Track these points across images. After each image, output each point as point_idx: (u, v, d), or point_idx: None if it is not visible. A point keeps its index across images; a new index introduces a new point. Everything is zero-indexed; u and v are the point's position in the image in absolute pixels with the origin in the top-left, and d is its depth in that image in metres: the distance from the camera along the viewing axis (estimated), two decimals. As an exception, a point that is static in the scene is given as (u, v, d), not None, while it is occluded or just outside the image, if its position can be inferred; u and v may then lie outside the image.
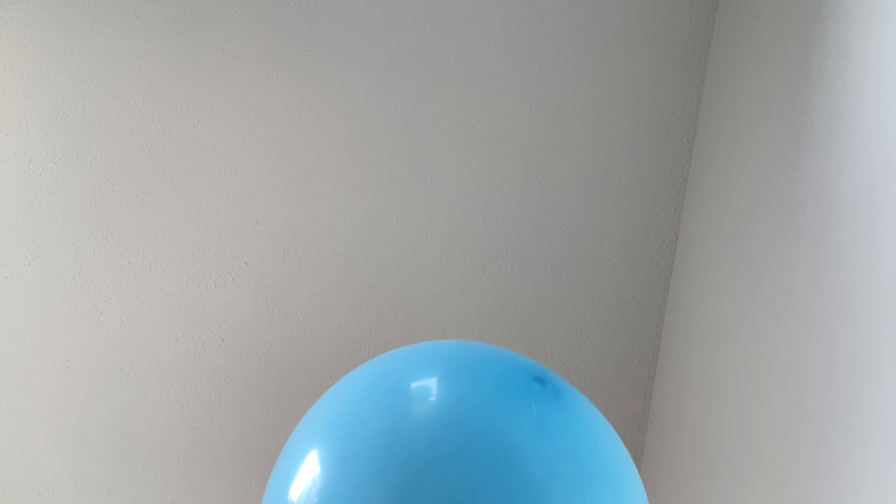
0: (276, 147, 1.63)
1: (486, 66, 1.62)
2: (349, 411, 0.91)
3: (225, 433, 1.70)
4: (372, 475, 0.79)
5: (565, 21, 1.61)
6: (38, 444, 1.69)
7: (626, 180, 1.64)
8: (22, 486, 1.70)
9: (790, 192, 1.14)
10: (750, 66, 1.38)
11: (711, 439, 1.34)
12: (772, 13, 1.31)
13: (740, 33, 1.45)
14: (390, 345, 1.68)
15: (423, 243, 1.66)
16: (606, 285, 1.67)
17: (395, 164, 1.64)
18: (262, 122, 1.63)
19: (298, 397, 1.68)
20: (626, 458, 0.92)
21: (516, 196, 1.65)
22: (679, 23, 1.60)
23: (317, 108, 1.63)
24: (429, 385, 0.90)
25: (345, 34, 1.61)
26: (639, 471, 1.71)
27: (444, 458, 0.80)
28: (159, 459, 1.71)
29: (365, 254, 1.66)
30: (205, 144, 1.63)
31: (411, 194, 1.65)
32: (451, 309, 1.68)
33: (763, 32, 1.33)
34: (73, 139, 1.62)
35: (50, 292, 1.65)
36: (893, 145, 0.89)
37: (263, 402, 1.70)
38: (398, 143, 1.64)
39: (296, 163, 1.64)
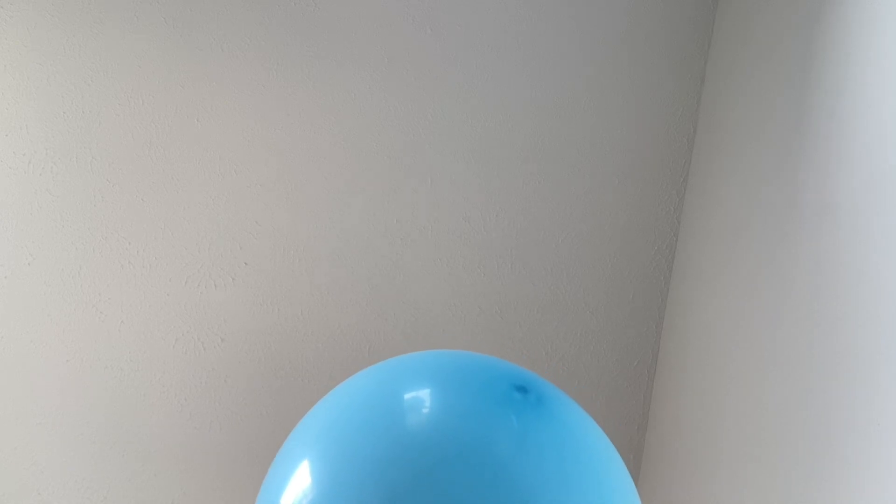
0: (276, 147, 1.63)
1: (486, 66, 1.62)
2: (326, 430, 0.88)
3: (225, 433, 1.70)
4: (350, 497, 0.76)
5: (565, 21, 1.61)
6: (38, 444, 1.69)
7: (626, 181, 1.64)
8: (22, 486, 1.71)
9: (790, 193, 1.14)
10: (750, 67, 1.38)
11: (711, 439, 1.34)
12: (772, 13, 1.31)
13: (740, 33, 1.45)
14: (390, 345, 1.68)
15: (423, 243, 1.66)
16: (606, 285, 1.67)
17: (395, 164, 1.64)
18: (262, 122, 1.63)
19: (298, 397, 1.68)
20: (619, 465, 0.89)
21: (516, 196, 1.65)
22: (679, 23, 1.60)
23: (317, 108, 1.63)
24: (407, 401, 0.87)
25: (345, 34, 1.61)
26: (639, 471, 1.72)
27: (420, 476, 0.76)
28: (159, 459, 1.70)
29: (365, 254, 1.66)
30: (205, 144, 1.63)
31: (411, 194, 1.65)
32: (451, 309, 1.68)
33: (763, 32, 1.34)
34: (73, 139, 1.62)
35: (50, 292, 1.65)
36: (894, 146, 0.89)
37: (263, 402, 1.70)
38: (398, 144, 1.64)
39: (296, 163, 1.64)
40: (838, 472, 0.92)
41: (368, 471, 0.78)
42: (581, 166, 1.64)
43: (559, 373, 1.68)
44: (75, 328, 1.66)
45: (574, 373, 1.69)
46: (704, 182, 1.54)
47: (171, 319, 1.67)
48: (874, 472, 0.85)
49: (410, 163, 1.64)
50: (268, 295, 1.67)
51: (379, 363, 1.02)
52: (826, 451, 0.96)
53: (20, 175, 1.62)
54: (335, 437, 0.85)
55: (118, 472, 1.71)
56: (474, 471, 0.77)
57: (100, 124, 1.62)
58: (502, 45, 1.62)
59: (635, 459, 1.70)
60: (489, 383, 0.89)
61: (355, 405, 0.90)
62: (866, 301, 0.90)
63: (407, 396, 0.87)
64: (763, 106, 1.29)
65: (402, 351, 1.66)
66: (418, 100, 1.63)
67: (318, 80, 1.62)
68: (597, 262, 1.67)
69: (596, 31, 1.61)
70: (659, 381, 1.67)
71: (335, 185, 1.64)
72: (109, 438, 1.70)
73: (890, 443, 0.83)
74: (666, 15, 1.60)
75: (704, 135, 1.58)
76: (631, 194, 1.65)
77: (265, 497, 0.87)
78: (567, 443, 0.85)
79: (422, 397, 0.86)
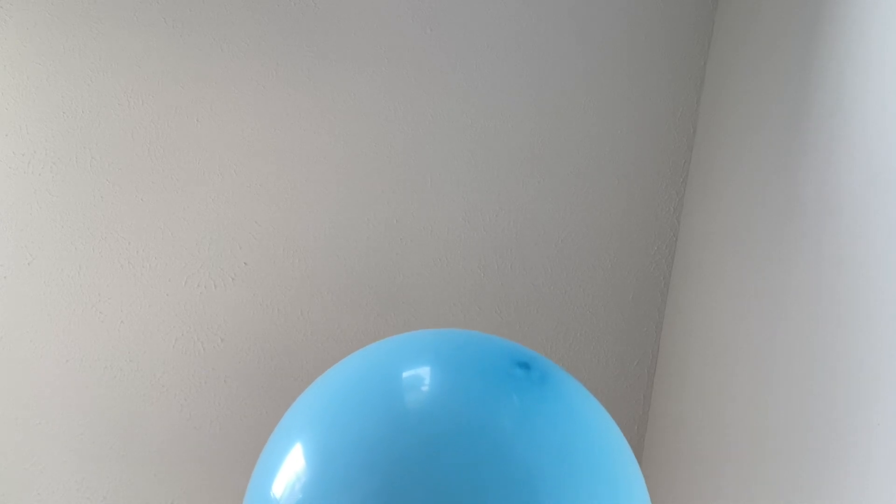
0: (276, 147, 1.63)
1: (486, 65, 1.62)
2: (327, 409, 0.87)
3: (225, 433, 1.70)
4: (345, 480, 0.75)
5: (565, 21, 1.61)
6: (38, 444, 1.69)
7: (626, 180, 1.64)
8: (22, 486, 1.70)
9: (790, 193, 1.14)
10: (750, 67, 1.38)
11: (711, 439, 1.34)
12: (772, 13, 1.31)
13: (740, 33, 1.45)
14: (390, 345, 1.68)
15: (423, 243, 1.66)
16: (606, 285, 1.67)
17: (395, 164, 1.64)
18: (262, 123, 1.63)
19: (298, 397, 1.68)
20: (621, 443, 0.88)
21: (516, 196, 1.65)
22: (679, 23, 1.60)
23: (316, 108, 1.63)
24: (408, 378, 0.85)
25: (345, 34, 1.61)
26: (639, 471, 1.71)
27: (420, 454, 0.75)
28: (159, 459, 1.70)
29: (365, 254, 1.66)
30: (205, 144, 1.63)
31: (411, 194, 1.65)
32: (451, 309, 1.68)
33: (763, 33, 1.34)
34: (73, 139, 1.62)
35: (50, 292, 1.65)
36: (894, 145, 0.89)
37: (263, 402, 1.70)
38: (398, 143, 1.64)
39: (296, 163, 1.64)
40: (838, 473, 0.92)
41: (367, 450, 0.77)
42: (581, 166, 1.64)
43: (559, 373, 1.68)
44: (75, 328, 1.66)
45: (574, 373, 1.68)
46: (704, 182, 1.54)
47: (170, 319, 1.67)
48: (874, 472, 0.85)
49: (410, 162, 1.64)
50: (268, 295, 1.66)
51: (378, 341, 1.01)
52: (826, 452, 0.96)
53: (20, 175, 1.62)
54: (332, 416, 0.84)
55: (118, 472, 1.71)
56: (475, 449, 0.75)
57: (99, 124, 1.62)
58: (502, 45, 1.62)
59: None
60: (490, 359, 0.87)
61: (352, 384, 0.89)
62: (866, 301, 0.90)
63: (406, 374, 0.86)
64: (763, 106, 1.29)
65: (402, 351, 1.66)
66: (418, 100, 1.63)
67: (318, 80, 1.62)
68: (597, 262, 1.67)
69: (596, 31, 1.61)
70: (659, 381, 1.67)
71: (335, 184, 1.64)
72: (109, 438, 1.70)
73: (890, 443, 0.83)
74: (666, 15, 1.60)
75: (704, 135, 1.58)
76: (631, 194, 1.65)
77: (258, 478, 0.87)
78: (571, 419, 0.83)
79: (422, 375, 0.85)
